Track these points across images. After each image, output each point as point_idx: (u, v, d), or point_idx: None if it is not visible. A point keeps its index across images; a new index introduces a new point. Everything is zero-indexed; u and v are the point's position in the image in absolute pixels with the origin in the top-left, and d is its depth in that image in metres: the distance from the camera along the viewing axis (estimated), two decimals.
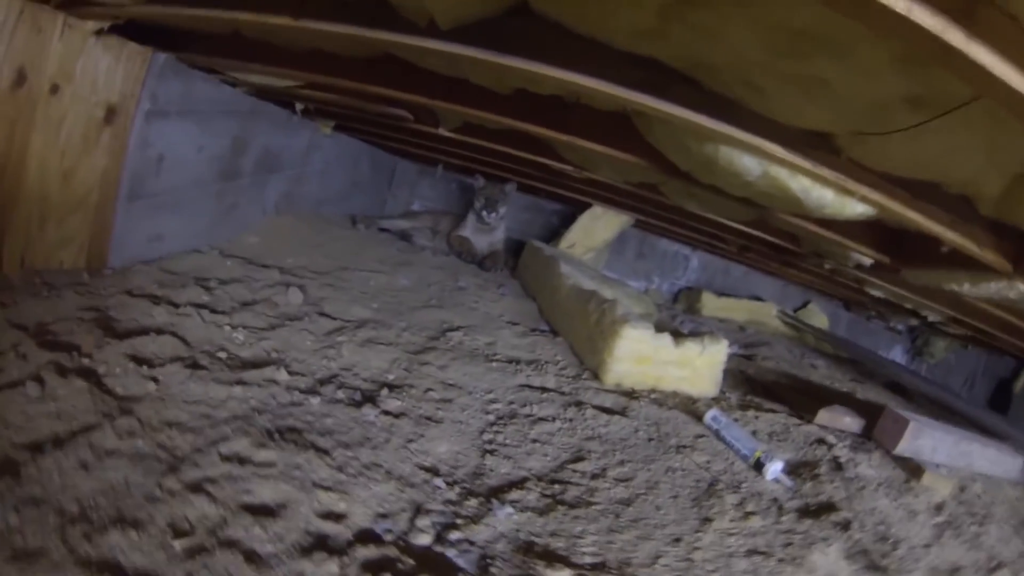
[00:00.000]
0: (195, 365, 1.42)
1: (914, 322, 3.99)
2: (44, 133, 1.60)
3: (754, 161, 1.29)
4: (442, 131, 2.33)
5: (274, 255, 2.34)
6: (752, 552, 1.27)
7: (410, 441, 1.35)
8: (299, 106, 2.42)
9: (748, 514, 1.40)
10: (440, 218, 3.94)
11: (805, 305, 4.65)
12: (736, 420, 1.91)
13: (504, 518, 1.16)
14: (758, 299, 4.47)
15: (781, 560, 1.27)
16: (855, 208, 1.36)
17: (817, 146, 1.14)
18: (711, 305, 4.25)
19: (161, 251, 2.02)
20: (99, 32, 1.64)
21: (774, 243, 2.66)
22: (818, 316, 4.60)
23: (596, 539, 1.18)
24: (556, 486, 1.33)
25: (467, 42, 1.10)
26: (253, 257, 2.26)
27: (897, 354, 4.78)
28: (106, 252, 1.87)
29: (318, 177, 3.14)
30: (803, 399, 2.37)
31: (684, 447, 1.65)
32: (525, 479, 1.33)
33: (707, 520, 1.33)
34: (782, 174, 1.30)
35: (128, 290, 1.73)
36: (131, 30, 1.66)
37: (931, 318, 3.31)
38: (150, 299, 1.69)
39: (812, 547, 1.32)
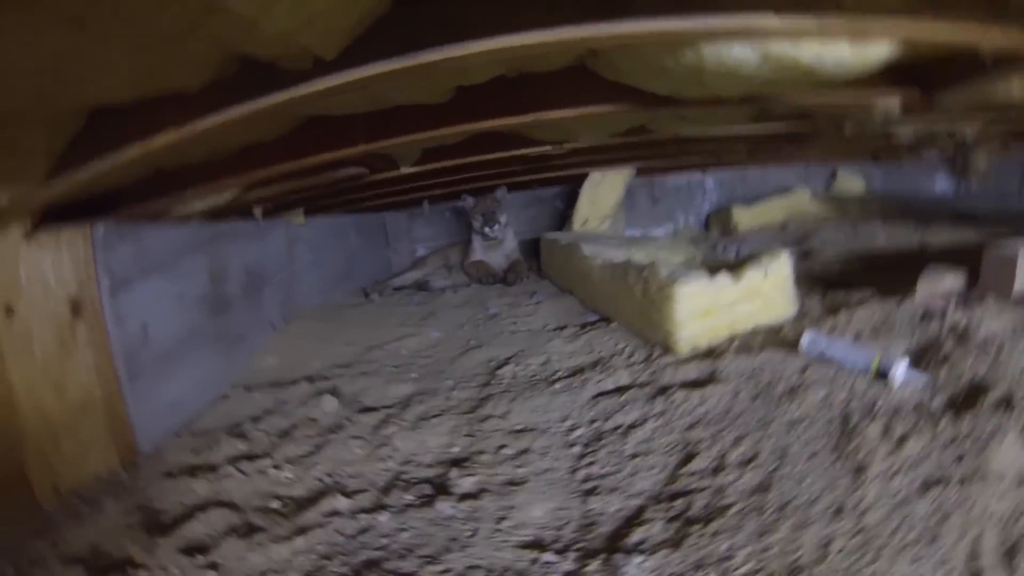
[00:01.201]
0: (250, 529, 1.28)
1: (948, 145, 3.65)
2: (17, 358, 1.50)
3: (747, 49, 1.07)
4: (404, 170, 2.17)
5: (298, 366, 2.21)
6: (926, 485, 1.05)
7: (500, 520, 1.18)
8: (257, 210, 2.29)
9: (900, 440, 1.17)
10: (448, 252, 3.80)
11: (835, 177, 4.35)
12: (832, 332, 1.68)
13: (636, 571, 0.97)
14: (786, 190, 4.22)
15: (962, 481, 1.05)
16: (879, 53, 1.13)
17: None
18: (745, 218, 4.02)
19: (185, 414, 1.90)
20: (28, 234, 1.53)
21: (784, 133, 2.42)
22: (852, 181, 4.33)
23: (749, 551, 0.97)
24: (678, 501, 1.13)
25: (368, 59, 0.92)
26: (278, 378, 2.13)
27: (941, 183, 4.44)
28: (132, 441, 1.76)
29: (311, 269, 3.02)
30: (883, 275, 2.14)
31: (794, 389, 1.43)
32: (641, 509, 1.14)
33: (860, 470, 1.11)
34: (785, 49, 1.08)
35: (166, 472, 1.61)
36: (60, 215, 1.55)
37: (968, 134, 2.99)
38: (188, 473, 1.56)
39: (986, 450, 1.10)
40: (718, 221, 4.20)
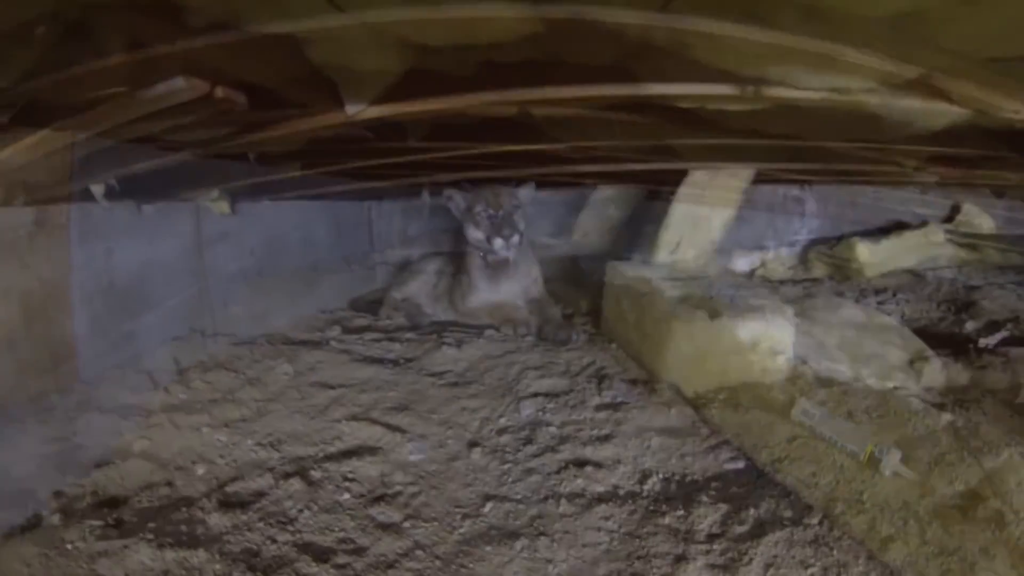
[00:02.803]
0: (169, 497, 1.16)
1: None
2: None
3: (814, 79, 0.95)
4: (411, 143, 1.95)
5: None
6: None
7: None
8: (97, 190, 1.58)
9: (886, 541, 1.08)
10: (444, 267, 2.58)
11: (957, 210, 3.21)
12: (823, 404, 1.57)
13: None
14: (903, 225, 3.11)
15: None
16: (948, 114, 1.02)
17: (897, 39, 0.81)
18: (872, 259, 2.84)
19: (136, 349, 1.78)
20: None
21: None
22: (979, 216, 3.16)
23: None
24: None
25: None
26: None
27: None
28: (74, 365, 1.63)
29: (241, 280, 2.20)
30: None
31: (780, 460, 1.33)
32: None
33: (840, 567, 1.01)
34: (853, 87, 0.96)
35: (97, 406, 1.50)
36: None
37: None
38: (119, 413, 1.46)
39: (975, 568, 1.01)
40: (828, 257, 3.03)
